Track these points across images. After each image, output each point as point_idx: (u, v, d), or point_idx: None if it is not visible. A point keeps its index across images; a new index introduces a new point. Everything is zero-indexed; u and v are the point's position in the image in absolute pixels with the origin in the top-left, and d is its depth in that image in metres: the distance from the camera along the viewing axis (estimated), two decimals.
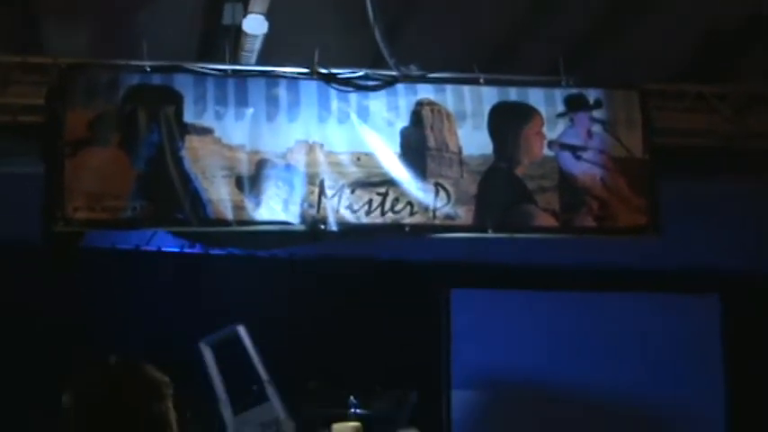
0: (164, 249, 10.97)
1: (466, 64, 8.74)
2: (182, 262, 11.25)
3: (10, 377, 10.16)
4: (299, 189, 8.28)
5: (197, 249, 10.63)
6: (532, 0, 8.91)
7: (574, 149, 8.68)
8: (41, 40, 9.02)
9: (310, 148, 8.33)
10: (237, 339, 9.99)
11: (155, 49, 8.37)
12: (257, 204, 8.20)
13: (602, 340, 12.31)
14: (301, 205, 8.27)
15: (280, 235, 8.47)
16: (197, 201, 8.13)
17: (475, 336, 12.37)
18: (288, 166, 8.30)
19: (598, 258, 10.96)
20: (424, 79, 8.57)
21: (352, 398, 9.79)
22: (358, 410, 9.76)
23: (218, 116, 8.25)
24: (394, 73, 8.43)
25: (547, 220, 8.63)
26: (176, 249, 10.82)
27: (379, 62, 8.46)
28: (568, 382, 12.21)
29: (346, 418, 9.66)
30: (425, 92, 8.59)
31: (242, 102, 8.30)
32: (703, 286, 12.45)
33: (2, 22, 8.79)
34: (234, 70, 8.37)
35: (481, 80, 8.66)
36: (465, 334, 12.43)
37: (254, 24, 7.89)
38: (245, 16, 7.91)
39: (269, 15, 8.06)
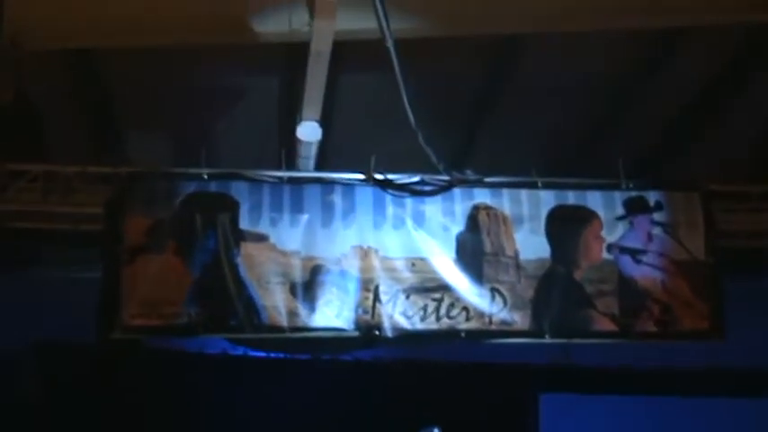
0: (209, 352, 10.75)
1: (528, 169, 8.73)
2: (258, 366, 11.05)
3: None
4: (354, 295, 8.28)
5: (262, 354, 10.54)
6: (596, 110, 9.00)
7: (634, 253, 8.58)
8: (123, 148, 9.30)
9: (365, 253, 8.35)
10: None
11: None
12: (312, 310, 8.22)
13: None
14: (356, 311, 8.27)
15: (335, 341, 8.46)
16: (251, 307, 8.17)
17: None
18: (342, 272, 8.31)
19: (686, 361, 10.73)
20: (480, 183, 8.58)
21: None
22: None
23: (274, 223, 8.33)
24: (450, 178, 8.44)
25: (606, 325, 8.51)
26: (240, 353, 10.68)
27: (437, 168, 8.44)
28: None
29: None
30: (482, 196, 8.59)
31: (297, 208, 8.38)
32: None
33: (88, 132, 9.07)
34: (290, 177, 8.44)
35: (539, 183, 8.64)
36: None
37: (308, 131, 7.97)
38: (299, 123, 8.00)
39: (326, 122, 8.19)
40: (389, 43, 6.81)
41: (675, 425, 11.95)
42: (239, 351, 10.45)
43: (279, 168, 8.47)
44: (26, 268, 10.41)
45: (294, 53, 7.86)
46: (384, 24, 6.66)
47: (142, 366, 10.50)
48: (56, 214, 8.48)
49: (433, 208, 8.52)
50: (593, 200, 8.67)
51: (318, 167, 8.61)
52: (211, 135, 9.05)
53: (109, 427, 10.04)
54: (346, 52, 7.94)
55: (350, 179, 8.51)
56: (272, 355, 10.60)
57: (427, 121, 7.76)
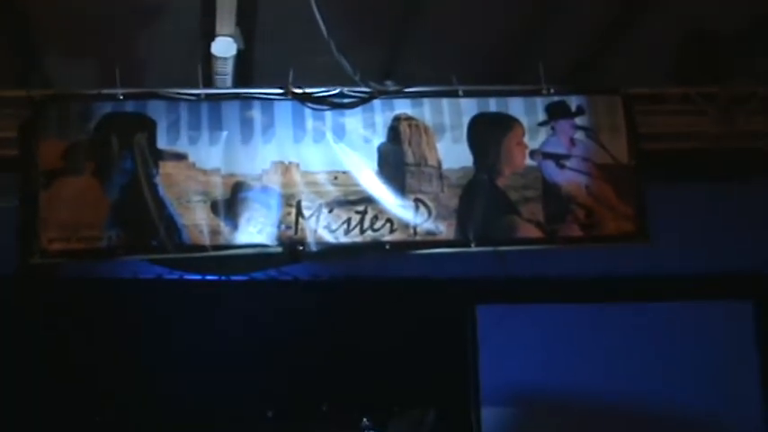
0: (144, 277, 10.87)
1: (449, 79, 8.67)
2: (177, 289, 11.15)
3: None
4: (276, 210, 8.23)
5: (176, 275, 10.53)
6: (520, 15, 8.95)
7: (557, 158, 8.55)
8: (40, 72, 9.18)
9: (286, 168, 8.29)
10: None
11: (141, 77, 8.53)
12: (234, 228, 8.17)
13: (634, 351, 12.18)
14: (278, 227, 8.22)
15: (258, 258, 8.42)
16: (172, 227, 8.11)
17: (503, 352, 12.32)
18: (264, 188, 8.26)
19: (625, 267, 10.82)
20: (400, 94, 8.51)
21: (365, 420, 9.77)
22: (372, 430, 9.76)
23: (192, 141, 8.25)
24: (369, 90, 8.37)
25: (531, 232, 8.50)
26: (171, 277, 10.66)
27: (364, 80, 8.34)
28: (600, 393, 12.07)
29: None
30: (403, 107, 8.53)
31: (216, 125, 8.30)
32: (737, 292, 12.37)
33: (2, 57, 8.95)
34: (207, 94, 8.35)
35: (460, 92, 8.58)
36: (492, 350, 12.38)
37: (223, 47, 7.86)
38: (214, 40, 7.90)
39: (245, 39, 8.11)
40: None
41: (606, 330, 12.14)
42: (174, 275, 10.48)
43: (196, 86, 8.34)
44: None
45: None
46: None
47: (69, 294, 10.54)
48: None
49: (353, 120, 8.45)
50: (515, 106, 8.62)
51: (237, 84, 8.49)
52: (131, 55, 8.92)
53: (38, 358, 10.00)
54: None
55: (268, 94, 8.41)
56: (208, 277, 10.65)
57: (345, 34, 7.73)
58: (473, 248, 8.46)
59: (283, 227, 8.22)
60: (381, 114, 8.49)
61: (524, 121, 8.59)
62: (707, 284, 12.00)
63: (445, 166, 8.46)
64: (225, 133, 8.29)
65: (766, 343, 12.41)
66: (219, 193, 8.19)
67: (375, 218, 8.31)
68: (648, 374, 12.13)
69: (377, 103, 8.46)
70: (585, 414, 12.06)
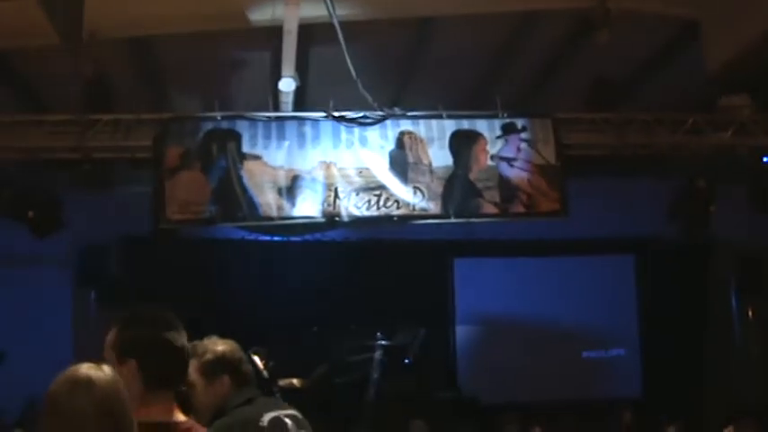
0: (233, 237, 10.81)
1: (436, 106, 8.65)
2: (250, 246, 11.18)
3: None
4: (321, 194, 8.22)
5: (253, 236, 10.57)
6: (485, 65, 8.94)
7: (508, 160, 8.50)
8: (166, 101, 9.22)
9: (327, 166, 8.27)
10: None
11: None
12: (292, 205, 8.17)
13: (556, 289, 12.22)
14: (322, 205, 8.21)
15: (308, 225, 8.47)
16: (252, 204, 8.12)
17: (471, 290, 12.35)
18: (313, 179, 8.24)
19: (552, 233, 10.79)
20: (404, 116, 8.49)
21: (378, 333, 9.74)
22: (383, 341, 9.71)
23: (266, 147, 8.24)
24: (383, 113, 8.36)
25: (491, 209, 8.48)
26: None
27: (380, 107, 8.33)
28: (534, 316, 12.13)
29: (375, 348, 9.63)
30: (406, 125, 8.49)
31: (281, 137, 8.29)
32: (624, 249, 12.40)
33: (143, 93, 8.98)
34: (275, 116, 8.37)
35: (444, 115, 8.55)
36: (464, 289, 12.42)
37: (286, 84, 7.84)
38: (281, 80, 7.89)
39: (301, 77, 8.09)
40: (335, 22, 6.79)
41: (539, 275, 12.21)
42: (252, 236, 10.51)
43: (268, 110, 8.39)
44: (109, 187, 10.39)
45: (279, 33, 7.74)
46: (331, 10, 6.62)
47: (184, 248, 10.59)
48: (121, 148, 8.41)
49: (372, 134, 8.41)
50: (481, 125, 8.57)
51: (295, 109, 8.49)
52: (226, 91, 8.94)
53: (165, 292, 9.96)
54: (313, 31, 7.87)
55: (316, 116, 8.42)
56: (271, 237, 10.68)
57: (368, 75, 7.70)
58: (452, 220, 8.45)
59: (326, 205, 8.21)
60: (391, 130, 8.45)
61: (487, 135, 8.54)
62: (605, 244, 12.10)
63: (434, 164, 8.42)
64: (287, 142, 8.29)
65: (641, 282, 12.51)
66: (283, 182, 8.19)
67: (387, 199, 8.30)
68: (566, 304, 12.19)
69: (388, 122, 8.43)
70: (524, 330, 12.17)
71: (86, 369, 2.59)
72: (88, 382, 2.55)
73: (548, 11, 8.10)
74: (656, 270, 12.21)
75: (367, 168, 8.34)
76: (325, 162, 8.29)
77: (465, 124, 8.58)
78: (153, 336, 3.01)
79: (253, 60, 8.71)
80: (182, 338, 3.08)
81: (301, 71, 8.08)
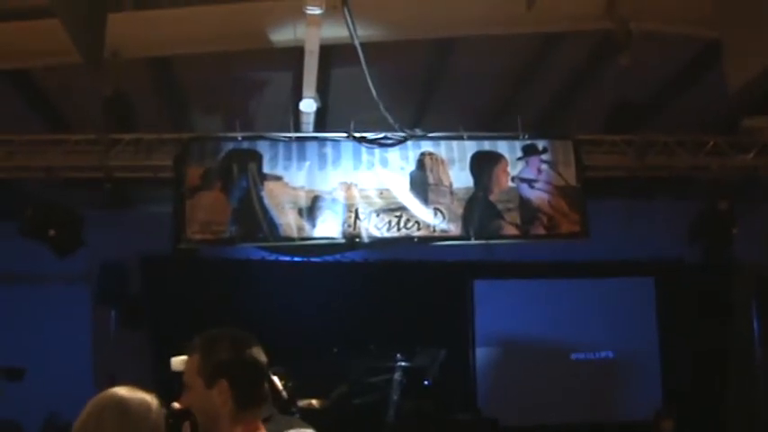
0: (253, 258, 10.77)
1: (458, 127, 8.62)
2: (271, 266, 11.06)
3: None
4: (341, 215, 8.18)
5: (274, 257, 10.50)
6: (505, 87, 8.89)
7: (529, 182, 8.44)
8: (187, 121, 9.22)
9: (348, 187, 8.24)
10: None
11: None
12: (313, 226, 8.13)
13: (577, 311, 12.08)
14: (343, 226, 8.16)
15: (328, 246, 8.40)
16: (272, 225, 8.08)
17: (491, 312, 12.25)
18: (333, 200, 8.20)
19: (572, 255, 10.69)
20: (425, 137, 8.45)
21: (398, 354, 9.65)
22: (403, 362, 9.61)
23: (286, 168, 8.21)
24: (404, 134, 8.33)
25: (512, 230, 8.41)
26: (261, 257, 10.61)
27: (401, 128, 8.31)
28: (554, 339, 11.99)
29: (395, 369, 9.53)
30: (426, 146, 8.44)
31: (302, 157, 8.26)
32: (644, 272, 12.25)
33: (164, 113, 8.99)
34: (296, 137, 8.34)
35: (465, 137, 8.51)
36: (484, 311, 12.31)
37: (307, 105, 7.82)
38: (301, 100, 7.86)
39: (322, 98, 8.06)
40: (357, 44, 6.74)
41: (560, 296, 12.07)
42: (272, 257, 10.46)
43: (289, 131, 8.36)
44: (129, 206, 10.41)
45: (300, 54, 7.73)
46: (353, 31, 6.58)
47: (203, 268, 10.56)
48: (142, 167, 8.41)
49: (393, 155, 8.37)
50: (502, 146, 8.52)
51: (316, 129, 8.46)
52: (246, 111, 8.94)
53: (184, 311, 9.95)
54: (334, 52, 7.83)
55: (337, 137, 8.39)
56: (291, 258, 10.62)
57: (389, 97, 7.66)
58: (473, 242, 8.39)
59: (346, 226, 8.17)
60: (412, 151, 8.41)
61: (508, 156, 8.49)
62: (625, 266, 11.91)
63: (455, 186, 8.37)
64: (308, 163, 8.25)
65: (661, 304, 12.29)
66: (303, 203, 8.15)
67: (407, 220, 8.25)
68: (586, 326, 12.05)
69: (409, 143, 8.39)
70: (543, 352, 11.95)
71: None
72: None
73: (569, 32, 8.05)
74: (676, 292, 12.07)
75: (387, 189, 8.29)
76: (345, 183, 8.25)
77: (486, 145, 8.53)
78: (239, 355, 3.13)
79: (274, 81, 8.70)
80: (262, 355, 3.20)
81: (322, 92, 8.06)
